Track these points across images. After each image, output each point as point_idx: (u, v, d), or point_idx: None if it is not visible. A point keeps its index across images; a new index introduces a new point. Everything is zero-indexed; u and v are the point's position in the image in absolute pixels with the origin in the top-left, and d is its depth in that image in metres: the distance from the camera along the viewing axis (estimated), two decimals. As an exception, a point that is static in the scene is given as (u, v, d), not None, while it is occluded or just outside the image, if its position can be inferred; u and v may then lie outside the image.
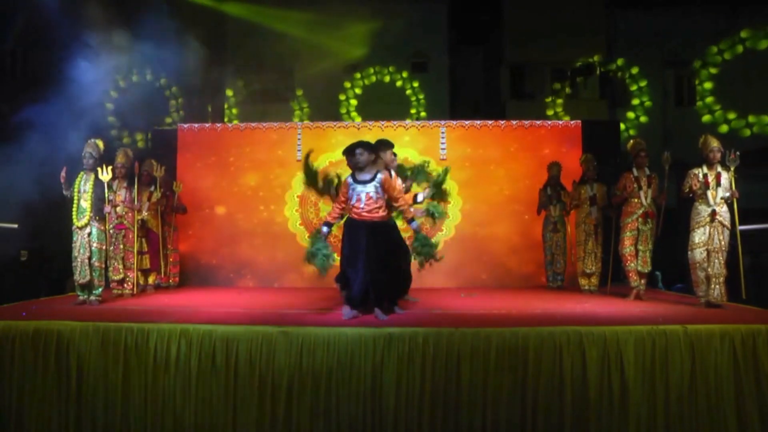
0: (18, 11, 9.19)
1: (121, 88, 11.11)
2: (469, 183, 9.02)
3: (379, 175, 5.31)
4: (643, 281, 6.71)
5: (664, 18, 15.80)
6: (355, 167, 5.37)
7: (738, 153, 5.97)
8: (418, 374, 4.40)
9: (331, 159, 8.90)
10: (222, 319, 4.99)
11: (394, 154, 6.13)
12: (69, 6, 8.54)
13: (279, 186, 9.13)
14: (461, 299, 6.95)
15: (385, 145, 5.95)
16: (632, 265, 6.66)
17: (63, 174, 6.07)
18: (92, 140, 6.27)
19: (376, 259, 5.24)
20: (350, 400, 4.41)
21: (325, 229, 5.46)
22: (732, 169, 5.95)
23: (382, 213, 5.34)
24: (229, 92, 12.95)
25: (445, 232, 9.01)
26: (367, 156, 5.33)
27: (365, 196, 5.28)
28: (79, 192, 6.08)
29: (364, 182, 5.31)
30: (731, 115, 10.63)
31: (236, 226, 9.11)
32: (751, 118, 10.43)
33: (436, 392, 4.39)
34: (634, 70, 12.43)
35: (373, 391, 4.41)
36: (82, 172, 6.17)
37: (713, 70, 10.73)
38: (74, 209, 6.09)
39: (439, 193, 6.59)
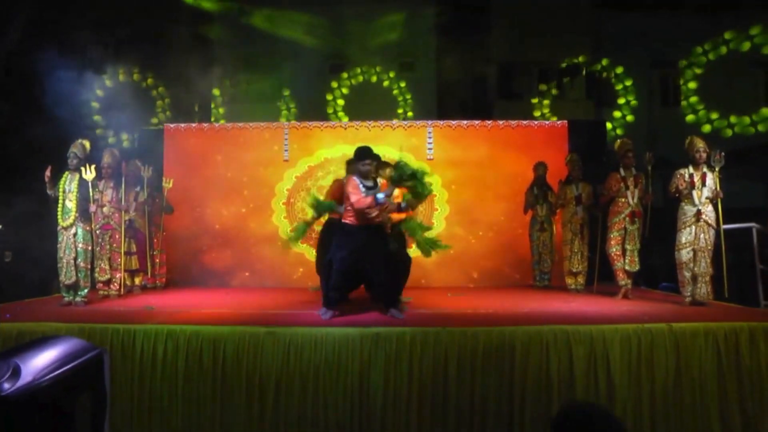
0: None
1: (107, 88, 11.02)
2: (456, 182, 9.05)
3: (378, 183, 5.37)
4: (630, 280, 6.76)
5: (649, 19, 15.92)
6: (364, 174, 5.32)
7: (723, 153, 6.03)
8: (406, 373, 4.40)
9: (326, 156, 9.14)
10: (209, 319, 4.98)
11: (368, 164, 5.43)
12: (58, 4, 8.49)
13: (267, 186, 9.11)
14: (449, 299, 6.97)
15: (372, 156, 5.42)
16: (619, 264, 6.72)
17: (47, 173, 6.03)
18: (78, 141, 6.27)
19: (386, 261, 5.31)
20: (338, 400, 4.41)
21: (381, 196, 5.18)
22: (717, 169, 6.01)
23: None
24: (216, 92, 12.88)
25: (432, 232, 9.01)
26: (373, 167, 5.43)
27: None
28: (64, 192, 6.05)
29: (370, 188, 5.26)
30: (714, 115, 10.72)
31: (222, 226, 9.08)
32: (732, 119, 10.52)
33: (423, 391, 4.40)
34: (619, 70, 12.48)
35: (361, 391, 4.41)
36: (66, 172, 6.14)
37: (698, 70, 10.81)
38: (59, 209, 6.06)
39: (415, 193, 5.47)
